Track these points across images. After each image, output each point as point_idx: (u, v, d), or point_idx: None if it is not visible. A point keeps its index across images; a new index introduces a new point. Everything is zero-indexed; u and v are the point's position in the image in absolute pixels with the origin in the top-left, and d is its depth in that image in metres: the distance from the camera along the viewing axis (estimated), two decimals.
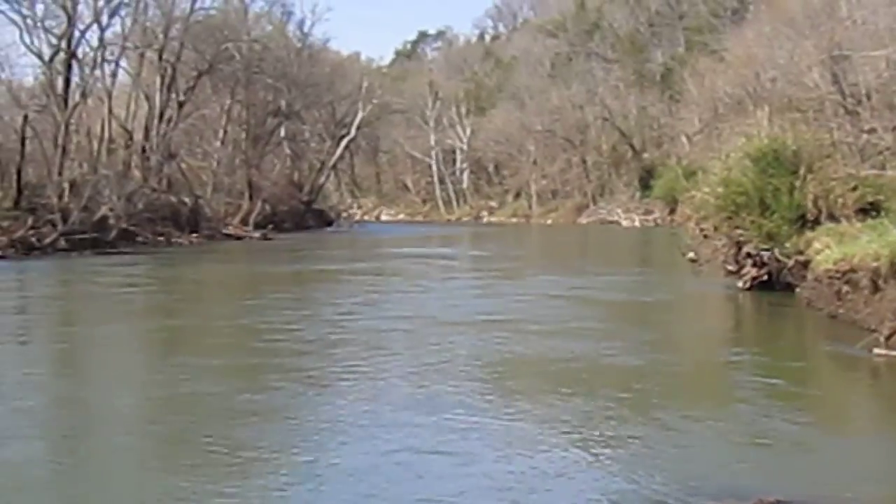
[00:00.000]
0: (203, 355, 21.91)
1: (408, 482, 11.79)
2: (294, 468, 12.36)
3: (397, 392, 17.17)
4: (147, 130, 73.91)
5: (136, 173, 70.49)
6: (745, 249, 29.31)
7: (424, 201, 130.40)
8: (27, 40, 67.19)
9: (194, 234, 67.58)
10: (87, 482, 12.39)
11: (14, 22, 66.57)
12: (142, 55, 75.12)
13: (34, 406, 16.60)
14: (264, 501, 11.19)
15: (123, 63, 76.13)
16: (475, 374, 18.55)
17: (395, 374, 18.63)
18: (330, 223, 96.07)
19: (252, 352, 22.07)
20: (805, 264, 26.53)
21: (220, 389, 17.74)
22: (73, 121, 64.85)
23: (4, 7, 64.08)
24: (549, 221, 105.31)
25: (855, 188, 27.52)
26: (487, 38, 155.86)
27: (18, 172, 58.65)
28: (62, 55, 65.59)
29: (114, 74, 74.71)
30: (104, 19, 69.76)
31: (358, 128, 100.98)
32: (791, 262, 27.53)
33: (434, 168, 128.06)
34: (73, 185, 61.36)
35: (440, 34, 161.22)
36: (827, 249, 24.93)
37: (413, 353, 21.42)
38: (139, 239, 61.49)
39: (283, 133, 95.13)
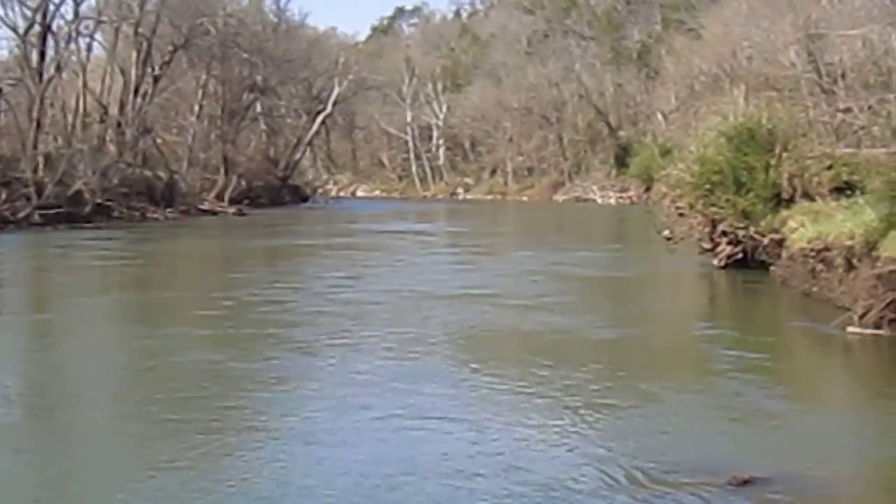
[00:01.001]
0: (196, 326, 22.20)
1: (394, 446, 12.08)
2: (287, 433, 12.72)
3: (387, 361, 17.59)
4: (122, 105, 73.73)
5: (111, 148, 70.40)
6: (720, 227, 29.41)
7: (400, 178, 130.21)
8: (1, 13, 66.92)
9: (169, 210, 67.51)
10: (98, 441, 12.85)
11: None
12: (117, 29, 74.83)
13: (34, 373, 16.81)
14: (259, 464, 11.45)
15: (98, 37, 76.15)
16: (460, 346, 19.06)
17: (385, 345, 19.09)
18: (305, 199, 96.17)
19: (244, 323, 22.38)
20: (780, 243, 26.64)
21: (217, 357, 18.15)
22: (47, 94, 64.80)
23: None
24: (525, 199, 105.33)
25: (830, 167, 27.59)
26: (464, 14, 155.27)
27: None
28: (37, 28, 65.39)
29: (89, 48, 74.83)
30: None
31: (334, 104, 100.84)
32: (766, 241, 27.65)
33: (410, 144, 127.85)
34: (47, 158, 61.34)
35: (417, 10, 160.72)
36: (801, 228, 25.05)
37: (400, 324, 21.81)
38: (114, 214, 61.51)
39: (258, 108, 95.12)
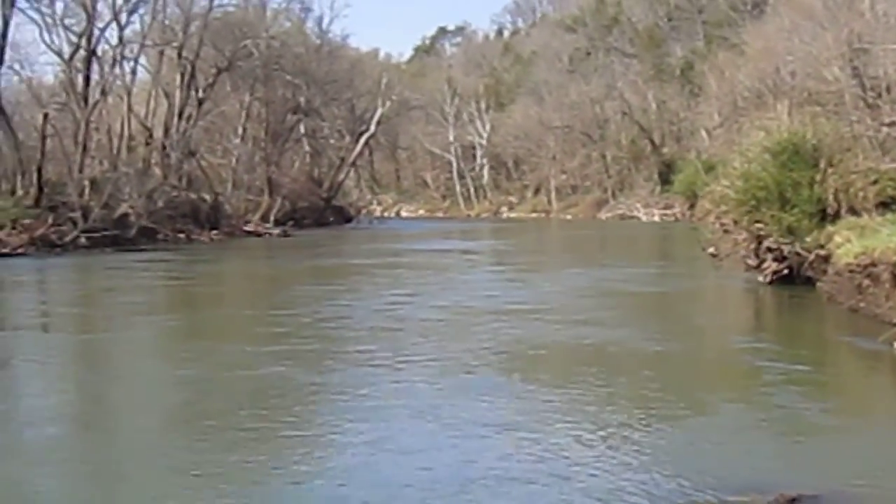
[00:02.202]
0: (264, 342, 22.62)
1: (454, 455, 12.42)
2: (354, 442, 13.12)
3: (446, 375, 18.03)
4: (167, 128, 74.04)
5: (157, 171, 70.73)
6: (766, 244, 29.29)
7: (444, 197, 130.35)
8: (47, 38, 67.66)
9: (214, 231, 67.78)
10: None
11: (34, 20, 67.03)
12: (161, 53, 75.45)
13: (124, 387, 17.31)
14: (332, 468, 11.95)
15: (143, 61, 76.76)
16: (515, 361, 19.20)
17: (444, 359, 19.57)
18: (350, 219, 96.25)
19: (309, 339, 22.83)
20: (826, 258, 26.51)
21: (288, 371, 18.64)
22: (93, 118, 65.16)
23: (24, 6, 64.37)
24: (569, 217, 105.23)
25: (875, 182, 27.46)
26: (506, 33, 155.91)
27: (39, 170, 58.91)
28: (82, 53, 65.86)
29: (133, 72, 75.30)
30: (123, 17, 70.19)
31: (377, 124, 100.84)
32: (812, 256, 27.52)
33: (453, 164, 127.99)
34: (93, 182, 61.65)
35: (459, 30, 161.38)
36: (847, 243, 24.93)
37: (457, 339, 22.19)
38: (159, 236, 61.72)
39: (302, 130, 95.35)
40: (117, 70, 71.78)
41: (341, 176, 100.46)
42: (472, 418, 14.55)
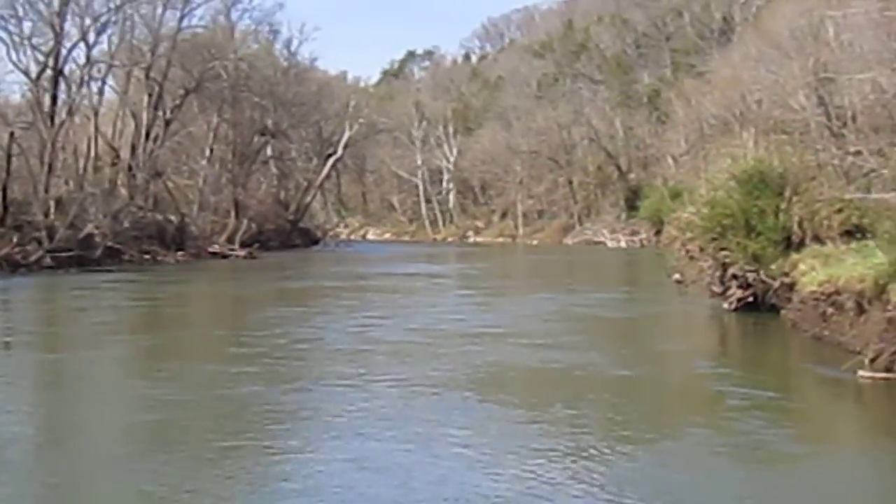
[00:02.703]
0: (234, 363, 22.65)
1: (429, 473, 12.61)
2: (330, 461, 13.32)
3: (421, 396, 18.31)
4: (133, 148, 74.01)
5: (123, 191, 70.65)
6: (731, 271, 29.41)
7: (411, 221, 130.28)
8: (14, 57, 67.70)
9: (180, 253, 67.64)
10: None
11: (1, 39, 66.88)
12: (129, 73, 75.39)
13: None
14: (307, 486, 12.09)
15: (110, 81, 76.79)
16: (483, 383, 19.31)
17: (416, 381, 19.69)
18: (316, 242, 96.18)
19: (280, 359, 23.10)
20: (790, 286, 26.65)
21: (260, 391, 18.86)
22: (59, 138, 65.07)
23: None
24: (536, 242, 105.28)
25: (840, 210, 27.64)
26: (474, 58, 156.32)
27: (3, 189, 58.72)
28: (49, 73, 65.77)
29: (100, 92, 75.29)
30: (91, 37, 70.20)
31: (345, 147, 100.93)
32: (776, 284, 27.66)
33: (420, 188, 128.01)
34: (58, 202, 61.52)
35: (427, 54, 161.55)
36: (812, 271, 25.07)
37: (428, 362, 22.25)
38: (125, 257, 61.55)
39: (269, 152, 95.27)
40: (84, 90, 71.87)
41: (308, 198, 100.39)
42: (443, 439, 14.72)
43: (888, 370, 17.59)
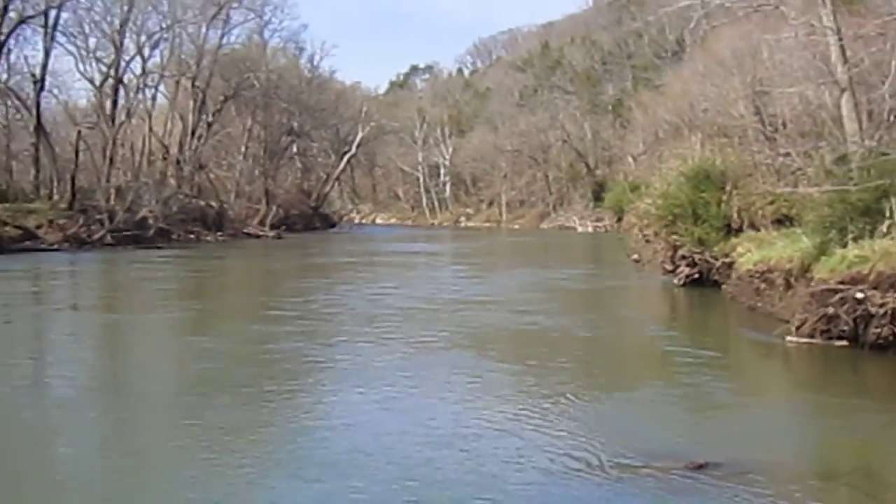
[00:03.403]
0: (276, 323, 22.82)
1: (436, 412, 12.85)
2: (358, 403, 13.64)
3: (427, 351, 18.69)
4: (181, 145, 74.11)
5: (172, 181, 70.63)
6: (680, 252, 29.44)
7: (413, 208, 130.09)
8: (81, 68, 67.90)
9: (219, 233, 67.67)
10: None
11: (70, 52, 67.27)
12: (177, 82, 75.32)
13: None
14: (340, 423, 12.23)
15: (162, 88, 76.69)
16: (480, 341, 19.63)
17: (424, 338, 20.16)
18: (333, 225, 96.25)
19: (314, 321, 23.35)
20: (729, 265, 26.68)
21: (301, 346, 19.17)
22: (118, 136, 65.02)
23: (62, 40, 64.22)
24: (517, 226, 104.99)
25: (772, 202, 27.61)
26: (467, 72, 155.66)
27: (73, 179, 58.72)
28: (111, 81, 65.87)
29: (153, 98, 75.51)
30: (146, 51, 70.45)
31: (358, 146, 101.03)
32: (718, 263, 27.71)
33: (421, 180, 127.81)
34: (118, 190, 61.47)
35: (428, 68, 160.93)
36: (748, 253, 25.11)
37: (433, 323, 22.69)
38: (173, 236, 61.61)
39: (294, 149, 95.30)
40: (140, 96, 71.89)
41: (327, 188, 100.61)
42: (449, 386, 15.06)
43: (811, 336, 17.63)
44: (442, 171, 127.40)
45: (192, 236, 63.84)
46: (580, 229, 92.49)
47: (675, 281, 29.68)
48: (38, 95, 60.87)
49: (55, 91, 68.34)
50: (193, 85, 74.62)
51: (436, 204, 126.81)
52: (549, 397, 14.01)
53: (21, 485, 10.30)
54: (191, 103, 75.03)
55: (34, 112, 60.87)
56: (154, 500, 9.87)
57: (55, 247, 50.80)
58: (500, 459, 10.80)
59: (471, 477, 10.21)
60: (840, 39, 24.01)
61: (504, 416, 12.81)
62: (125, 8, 65.73)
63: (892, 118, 22.66)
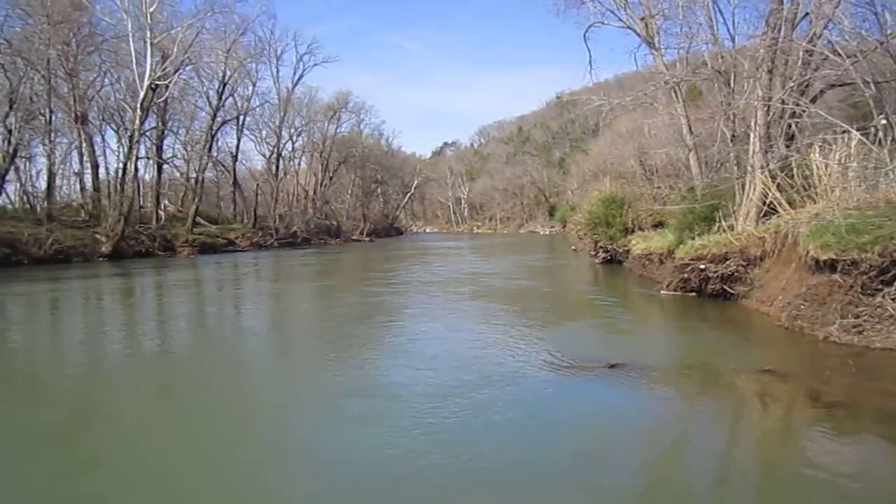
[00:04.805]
0: (375, 285, 22.71)
1: (462, 339, 12.01)
2: (421, 330, 12.73)
3: (464, 299, 18.53)
4: (314, 190, 74.36)
5: (310, 210, 70.99)
6: (599, 244, 29.37)
7: (446, 222, 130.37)
8: (258, 148, 70.13)
9: (337, 240, 68.03)
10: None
11: (251, 139, 69.00)
12: (312, 155, 75.67)
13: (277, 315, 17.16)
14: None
15: (303, 159, 76.86)
16: (490, 294, 19.09)
17: (458, 294, 19.89)
18: (401, 233, 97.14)
19: (397, 285, 23.05)
20: (627, 251, 26.63)
21: (389, 299, 18.82)
22: (280, 186, 65.37)
23: (247, 132, 64.67)
24: (505, 232, 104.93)
25: (651, 215, 27.51)
26: (476, 144, 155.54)
27: (255, 211, 59.25)
28: (275, 154, 66.07)
29: (299, 163, 75.59)
30: (294, 138, 70.64)
31: (414, 188, 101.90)
32: (621, 250, 27.63)
33: (450, 206, 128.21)
34: (280, 216, 61.91)
35: (453, 143, 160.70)
36: (638, 244, 25.05)
37: (462, 285, 22.39)
38: (311, 242, 62.09)
39: (379, 191, 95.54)
40: (291, 163, 72.18)
41: (397, 212, 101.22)
42: (473, 317, 14.86)
43: (675, 291, 17.59)
44: (462, 200, 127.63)
45: (322, 242, 64.27)
46: (542, 233, 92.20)
47: (596, 261, 29.60)
48: (234, 164, 61.41)
49: (243, 161, 69.17)
50: (321, 156, 74.98)
51: (459, 220, 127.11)
52: (526, 325, 13.98)
53: (251, 369, 10.42)
54: (319, 166, 75.39)
55: (232, 173, 61.41)
56: (325, 373, 10.01)
57: (245, 249, 51.25)
58: (501, 359, 10.84)
59: (491, 368, 10.26)
60: (688, 121, 23.89)
61: (503, 335, 12.77)
62: (281, 114, 66.17)
63: (717, 165, 22.53)
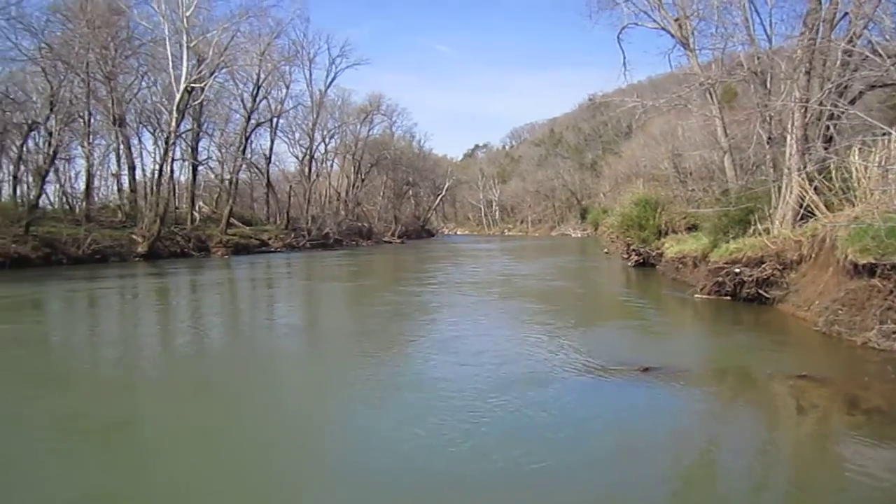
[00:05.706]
0: (409, 285, 22.93)
1: (496, 331, 12.08)
2: (455, 324, 12.83)
3: (498, 299, 18.72)
4: (347, 192, 74.72)
5: (342, 212, 71.37)
6: (632, 247, 29.21)
7: (477, 224, 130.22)
8: (291, 150, 69.93)
9: (368, 241, 68.27)
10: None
11: (285, 141, 70.90)
12: (344, 157, 76.06)
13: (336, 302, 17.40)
14: (445, 337, 11.71)
15: (336, 161, 77.30)
16: (521, 294, 19.20)
17: (495, 292, 20.34)
18: (433, 235, 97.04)
19: (432, 285, 23.21)
20: (661, 254, 26.46)
21: (425, 298, 19.02)
22: (312, 188, 65.83)
23: (280, 134, 65.18)
24: (536, 234, 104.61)
25: (685, 218, 27.33)
26: (507, 146, 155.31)
27: (287, 212, 59.73)
28: (307, 156, 66.54)
29: (331, 165, 75.95)
30: (327, 140, 70.97)
31: (446, 190, 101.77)
32: (654, 253, 27.46)
33: (482, 209, 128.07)
34: (313, 218, 62.29)
35: (485, 145, 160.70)
36: (672, 247, 24.87)
37: (495, 287, 22.49)
38: (343, 243, 62.35)
39: (410, 193, 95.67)
40: (324, 165, 72.69)
41: (429, 214, 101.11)
42: (508, 316, 15.15)
43: (709, 294, 17.45)
44: (493, 203, 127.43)
45: (353, 243, 64.51)
46: (573, 236, 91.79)
47: (629, 264, 29.45)
48: (267, 166, 61.94)
49: (277, 163, 69.73)
50: (353, 158, 75.40)
51: (490, 222, 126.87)
52: (561, 326, 13.97)
53: (302, 364, 10.58)
54: (351, 168, 75.75)
55: (265, 175, 62.04)
56: (380, 367, 10.12)
57: (279, 249, 51.73)
58: (540, 358, 10.86)
59: (532, 366, 10.28)
60: (723, 122, 23.66)
61: (539, 334, 12.81)
62: (314, 116, 66.65)
63: (752, 167, 22.30)
